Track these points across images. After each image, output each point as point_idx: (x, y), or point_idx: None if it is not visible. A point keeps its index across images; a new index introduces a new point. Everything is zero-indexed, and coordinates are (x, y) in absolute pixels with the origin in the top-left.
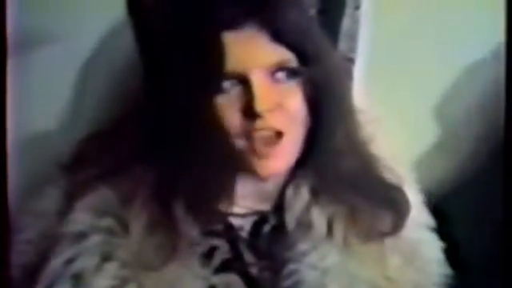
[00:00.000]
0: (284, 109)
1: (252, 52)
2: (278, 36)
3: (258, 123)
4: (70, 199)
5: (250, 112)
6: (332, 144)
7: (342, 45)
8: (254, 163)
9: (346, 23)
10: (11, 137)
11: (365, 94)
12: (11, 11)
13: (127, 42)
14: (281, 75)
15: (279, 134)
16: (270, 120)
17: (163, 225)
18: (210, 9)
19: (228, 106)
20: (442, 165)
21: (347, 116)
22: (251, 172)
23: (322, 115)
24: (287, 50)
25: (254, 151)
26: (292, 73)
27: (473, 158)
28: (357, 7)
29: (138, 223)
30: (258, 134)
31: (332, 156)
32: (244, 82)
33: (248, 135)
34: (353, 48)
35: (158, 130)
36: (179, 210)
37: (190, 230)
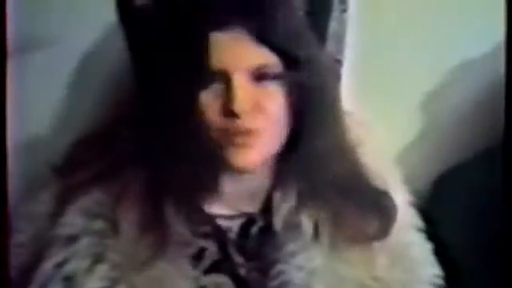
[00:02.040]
0: (263, 110)
1: (236, 53)
2: (263, 38)
3: (236, 123)
4: (62, 202)
5: (227, 111)
6: (318, 148)
7: (330, 47)
8: (230, 155)
9: (333, 26)
10: (10, 140)
11: (353, 95)
12: (11, 14)
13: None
14: (263, 77)
15: (255, 133)
16: (248, 121)
17: (154, 224)
18: (199, 9)
19: (210, 103)
20: (432, 166)
21: (334, 120)
22: (227, 165)
23: (308, 119)
24: (272, 53)
25: (229, 143)
26: (275, 76)
27: (465, 159)
28: (344, 10)
29: (128, 223)
30: (235, 133)
31: (318, 160)
32: (227, 81)
33: (225, 132)
34: (340, 50)
35: (148, 131)
36: (169, 209)
37: (180, 228)
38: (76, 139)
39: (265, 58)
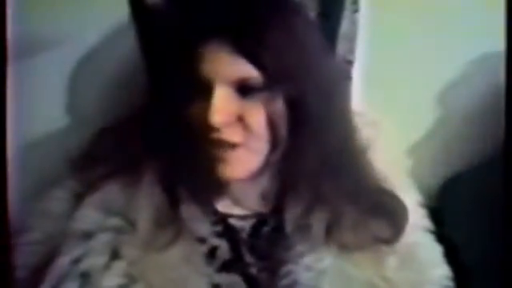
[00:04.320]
0: (244, 123)
1: (218, 65)
2: (243, 52)
3: (215, 135)
4: (79, 199)
5: (207, 123)
6: (327, 151)
7: (341, 47)
8: (217, 167)
9: (344, 26)
10: (12, 140)
11: (363, 95)
12: (11, 16)
13: (128, 45)
14: (247, 90)
15: (234, 146)
16: (227, 133)
17: (169, 220)
18: (194, 19)
19: (199, 115)
20: (442, 167)
21: (343, 122)
22: (216, 175)
23: (315, 122)
24: (252, 67)
25: (214, 156)
26: (256, 89)
27: (473, 159)
28: (355, 10)
29: (144, 219)
30: (216, 145)
31: (328, 163)
32: (211, 93)
33: (210, 144)
34: (352, 50)
35: (160, 127)
36: (184, 206)
37: (195, 225)
38: (93, 133)
39: (246, 71)
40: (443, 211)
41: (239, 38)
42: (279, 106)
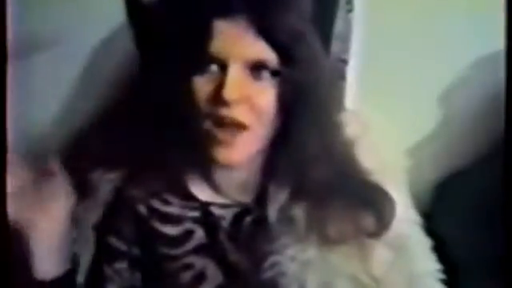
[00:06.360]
0: (253, 104)
1: (236, 43)
2: (264, 33)
3: (223, 111)
4: None
5: (217, 98)
6: (311, 144)
7: (335, 46)
8: (214, 150)
9: (338, 25)
10: (12, 139)
11: (358, 94)
12: (11, 16)
13: (125, 44)
14: (259, 72)
15: (242, 127)
16: (235, 111)
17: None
18: None
19: (202, 89)
20: (435, 165)
21: (328, 117)
22: (211, 159)
23: (302, 115)
24: (270, 49)
25: (215, 138)
26: (270, 72)
27: (472, 159)
28: (349, 10)
29: None
30: (221, 121)
31: (311, 155)
32: (223, 69)
33: (213, 120)
34: (346, 49)
35: (143, 116)
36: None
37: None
38: (79, 129)
39: (264, 53)
40: (440, 210)
41: (262, 19)
42: (290, 88)
